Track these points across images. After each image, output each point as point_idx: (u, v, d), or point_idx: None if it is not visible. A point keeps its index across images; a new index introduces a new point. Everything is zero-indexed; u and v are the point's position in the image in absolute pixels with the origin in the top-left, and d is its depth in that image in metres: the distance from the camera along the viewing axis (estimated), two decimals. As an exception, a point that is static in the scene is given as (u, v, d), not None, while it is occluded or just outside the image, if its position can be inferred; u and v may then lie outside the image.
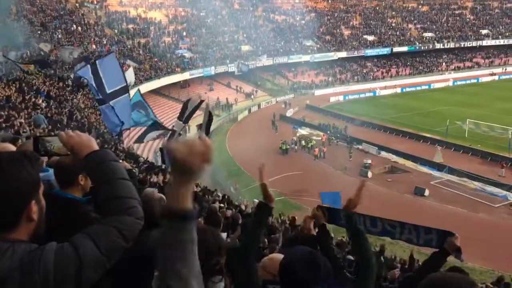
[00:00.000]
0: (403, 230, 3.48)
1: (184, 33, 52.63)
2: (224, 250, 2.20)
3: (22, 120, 13.88)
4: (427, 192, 25.42)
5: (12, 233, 1.39)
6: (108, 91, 10.32)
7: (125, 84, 11.25)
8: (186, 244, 1.23)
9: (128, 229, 1.53)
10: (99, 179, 1.63)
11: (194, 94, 45.83)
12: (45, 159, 2.88)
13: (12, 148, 3.01)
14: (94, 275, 1.42)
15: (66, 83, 28.03)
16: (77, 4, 47.04)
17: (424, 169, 29.29)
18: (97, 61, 10.97)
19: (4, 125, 10.64)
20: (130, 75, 22.49)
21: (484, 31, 69.37)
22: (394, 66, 63.26)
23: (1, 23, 30.87)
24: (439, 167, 28.84)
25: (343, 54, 60.39)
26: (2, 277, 1.29)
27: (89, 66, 10.78)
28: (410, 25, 69.19)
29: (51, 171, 3.02)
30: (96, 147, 1.70)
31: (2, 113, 14.18)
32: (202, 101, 13.06)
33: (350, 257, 7.19)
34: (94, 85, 10.11)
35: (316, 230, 3.49)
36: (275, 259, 2.49)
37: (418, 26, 69.21)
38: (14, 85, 21.67)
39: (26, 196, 1.40)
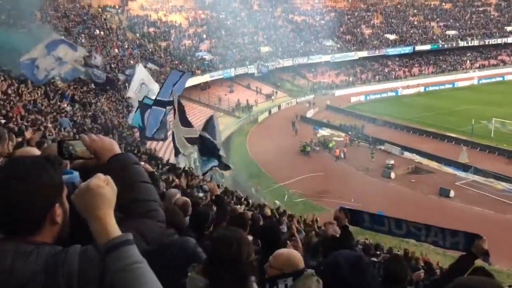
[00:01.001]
0: (429, 233, 3.41)
1: (204, 36, 53.01)
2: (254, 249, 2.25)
3: (48, 124, 14.18)
4: (452, 193, 24.91)
5: (37, 236, 1.41)
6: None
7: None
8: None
9: (149, 231, 1.53)
10: (122, 182, 1.64)
11: (214, 96, 46.18)
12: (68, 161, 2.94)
13: (37, 152, 3.08)
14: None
15: (90, 86, 28.54)
16: (99, 9, 47.94)
17: (449, 170, 28.72)
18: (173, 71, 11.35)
19: (31, 128, 10.90)
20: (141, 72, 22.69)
21: (509, 28, 67.62)
22: (416, 65, 62.27)
23: (26, 28, 31.64)
24: (465, 167, 28.23)
25: (364, 53, 59.77)
26: (26, 279, 1.31)
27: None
28: (432, 23, 68.01)
29: (76, 173, 3.07)
30: (118, 151, 1.71)
31: (30, 117, 14.52)
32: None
33: (374, 259, 7.09)
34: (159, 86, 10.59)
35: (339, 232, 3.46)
36: (279, 254, 2.59)
37: (441, 24, 67.97)
38: (40, 89, 22.19)
39: (50, 199, 1.42)
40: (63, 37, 15.05)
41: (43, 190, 1.39)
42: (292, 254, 2.61)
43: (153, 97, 12.85)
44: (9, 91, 18.02)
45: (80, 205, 1.41)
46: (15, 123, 11.41)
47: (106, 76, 26.79)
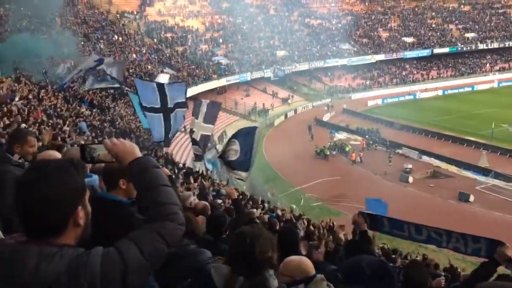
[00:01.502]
0: (450, 239, 3.35)
1: (221, 40, 53.31)
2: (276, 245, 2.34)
3: (67, 128, 14.42)
4: (472, 198, 24.46)
5: (60, 238, 1.43)
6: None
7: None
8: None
9: (170, 234, 1.55)
10: (142, 186, 1.66)
11: (230, 100, 46.33)
12: (88, 165, 2.98)
13: (59, 155, 3.13)
14: (138, 279, 1.44)
15: (108, 91, 28.95)
16: (118, 15, 48.65)
17: (469, 174, 28.22)
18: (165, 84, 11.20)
19: (46, 131, 11.12)
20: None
21: (530, 30, 66.33)
22: (435, 68, 61.48)
23: (46, 35, 32.28)
24: (485, 171, 27.71)
25: (381, 56, 59.29)
26: (50, 281, 1.33)
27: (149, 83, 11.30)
28: (451, 26, 67.12)
29: (95, 176, 3.12)
30: (139, 154, 1.73)
31: (50, 121, 14.80)
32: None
33: (391, 264, 6.99)
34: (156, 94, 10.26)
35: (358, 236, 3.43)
36: (290, 261, 2.65)
37: (460, 26, 67.02)
38: (60, 94, 22.60)
39: (73, 202, 1.45)
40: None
41: (67, 193, 1.42)
42: (303, 260, 2.66)
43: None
44: (30, 96, 18.41)
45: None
46: (37, 127, 11.63)
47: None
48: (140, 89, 10.21)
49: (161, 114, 10.02)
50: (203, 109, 11.55)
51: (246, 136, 9.10)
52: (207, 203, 5.58)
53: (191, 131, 11.79)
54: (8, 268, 1.34)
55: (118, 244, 1.44)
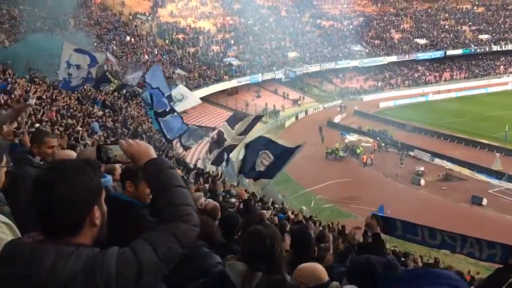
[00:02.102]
0: (465, 244, 3.30)
1: (232, 41, 53.40)
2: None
3: (79, 128, 14.56)
4: (485, 201, 24.19)
5: (77, 238, 1.45)
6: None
7: (170, 93, 11.21)
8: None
9: (184, 235, 1.55)
10: (157, 186, 1.67)
11: (241, 101, 46.38)
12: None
13: (74, 155, 3.16)
14: (152, 279, 1.45)
15: (121, 93, 29.15)
16: (130, 17, 49.02)
17: (482, 177, 27.89)
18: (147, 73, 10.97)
19: (64, 133, 11.22)
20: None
21: (546, 32, 65.35)
22: (448, 70, 60.85)
23: (60, 36, 32.63)
24: (498, 175, 27.38)
25: (393, 58, 58.86)
26: (67, 279, 1.34)
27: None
28: (464, 27, 66.41)
29: (109, 177, 3.15)
30: (154, 155, 1.74)
31: (63, 121, 14.96)
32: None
33: (403, 268, 6.94)
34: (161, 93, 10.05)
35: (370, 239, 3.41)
36: (304, 268, 2.67)
37: (473, 28, 66.28)
38: (73, 95, 22.83)
39: (90, 202, 1.46)
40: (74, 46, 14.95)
41: (84, 193, 1.43)
42: (316, 267, 2.68)
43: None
44: (44, 96, 18.63)
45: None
46: (51, 128, 11.75)
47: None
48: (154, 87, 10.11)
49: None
50: (245, 123, 10.87)
51: (284, 155, 8.81)
52: (217, 204, 5.59)
53: (222, 139, 11.27)
54: (26, 267, 1.36)
55: (133, 244, 1.46)
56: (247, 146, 9.14)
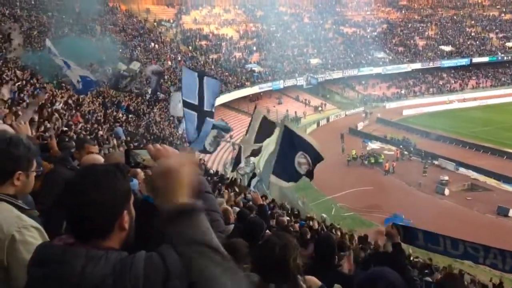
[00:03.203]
0: (488, 255, 3.24)
1: (254, 48, 53.65)
2: None
3: (102, 132, 14.84)
4: (511, 212, 23.52)
5: (106, 242, 1.48)
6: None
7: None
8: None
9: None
10: None
11: (263, 107, 46.42)
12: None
13: (102, 159, 3.26)
14: (178, 285, 1.48)
15: (144, 97, 29.65)
16: (155, 23, 49.88)
17: (508, 188, 27.18)
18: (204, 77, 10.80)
19: (88, 137, 11.48)
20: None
21: None
22: (473, 78, 59.62)
23: (86, 41, 33.42)
24: (525, 185, 26.64)
25: (417, 65, 58.08)
26: (96, 283, 1.37)
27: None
28: (491, 34, 65.05)
29: (135, 181, 3.22)
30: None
31: (87, 125, 15.29)
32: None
33: (429, 278, 6.83)
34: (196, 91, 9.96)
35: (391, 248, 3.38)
36: (311, 281, 2.64)
37: (500, 35, 64.87)
38: (98, 100, 23.33)
39: (120, 206, 1.49)
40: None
41: (115, 197, 1.47)
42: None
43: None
44: (70, 101, 19.06)
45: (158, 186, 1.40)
46: (77, 132, 12.02)
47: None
48: (185, 78, 10.19)
49: (196, 114, 9.97)
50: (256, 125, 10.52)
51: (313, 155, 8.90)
52: (228, 207, 5.61)
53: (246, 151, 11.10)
54: (58, 269, 1.40)
55: (160, 249, 1.48)
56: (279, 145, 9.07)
